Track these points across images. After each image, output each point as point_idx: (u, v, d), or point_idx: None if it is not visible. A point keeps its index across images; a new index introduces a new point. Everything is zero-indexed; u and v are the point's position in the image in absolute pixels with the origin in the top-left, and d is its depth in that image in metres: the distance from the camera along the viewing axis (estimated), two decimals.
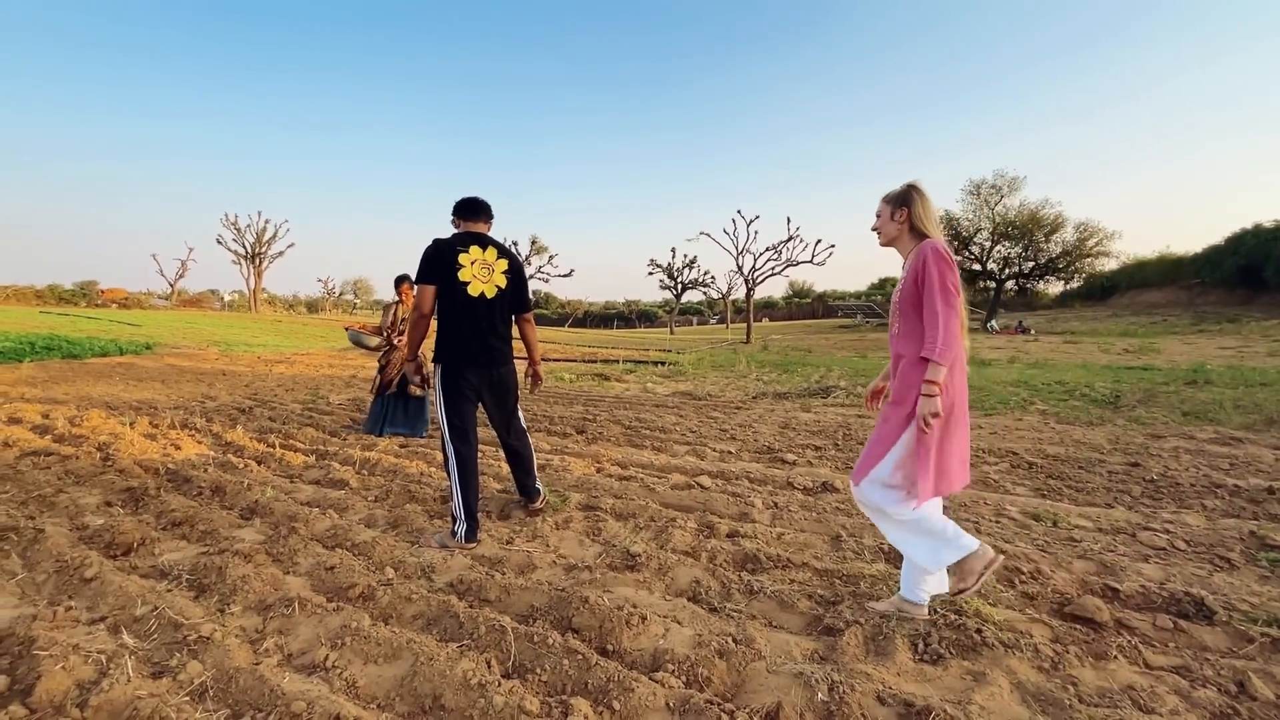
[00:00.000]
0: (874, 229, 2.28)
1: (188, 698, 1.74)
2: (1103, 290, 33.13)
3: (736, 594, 2.45)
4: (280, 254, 42.18)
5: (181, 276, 43.66)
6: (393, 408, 5.35)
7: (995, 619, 2.21)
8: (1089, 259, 29.11)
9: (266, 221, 41.34)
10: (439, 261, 2.90)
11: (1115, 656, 2.00)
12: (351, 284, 69.17)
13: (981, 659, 1.99)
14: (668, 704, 1.73)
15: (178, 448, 4.63)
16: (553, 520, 3.25)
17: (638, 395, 8.19)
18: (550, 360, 13.23)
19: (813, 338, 26.18)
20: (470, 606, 2.26)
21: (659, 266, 41.50)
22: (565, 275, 43.93)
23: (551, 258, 43.44)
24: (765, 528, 3.17)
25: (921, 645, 2.08)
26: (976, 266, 31.46)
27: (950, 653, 2.03)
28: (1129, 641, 2.07)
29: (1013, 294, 33.26)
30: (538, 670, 1.88)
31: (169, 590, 2.40)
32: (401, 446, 4.92)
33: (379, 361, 5.37)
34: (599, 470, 4.27)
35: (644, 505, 3.40)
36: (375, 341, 5.41)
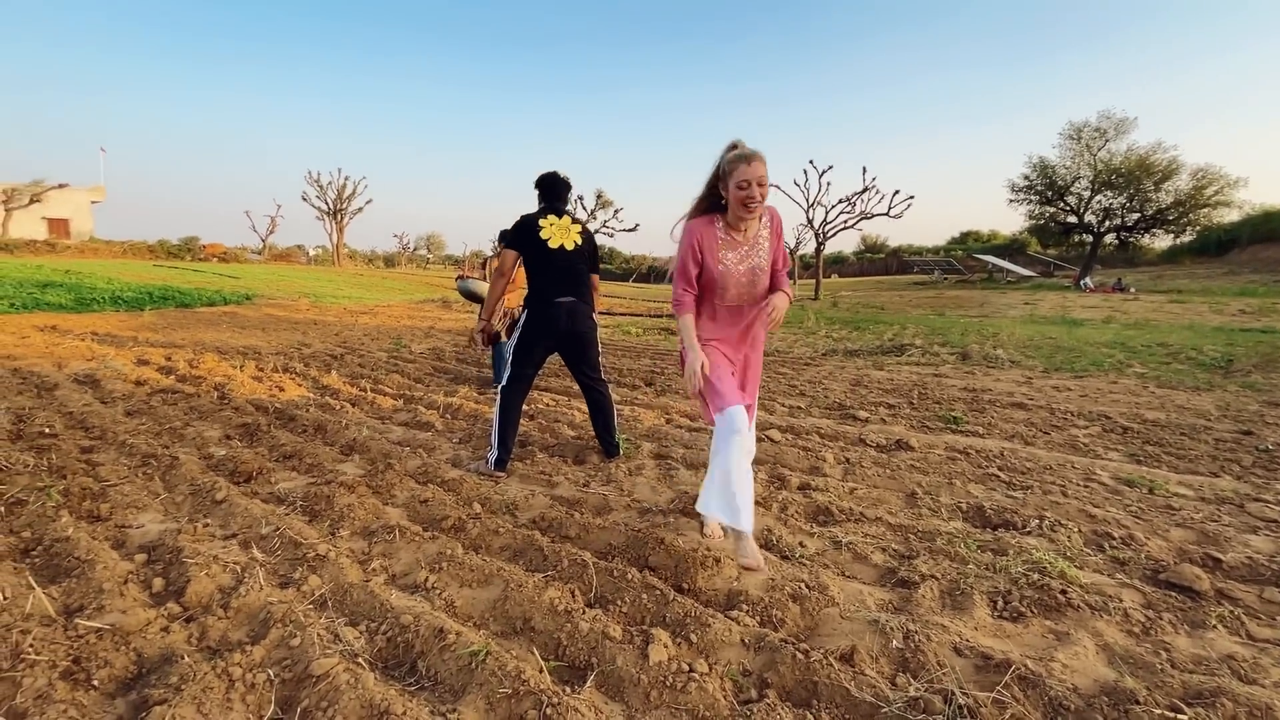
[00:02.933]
0: (761, 190, 2.15)
1: (311, 606, 1.96)
2: (1219, 244, 29.93)
3: (809, 543, 2.48)
4: (359, 210, 43.88)
5: (272, 232, 46.31)
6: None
7: (1081, 581, 2.15)
8: (1205, 209, 26.21)
9: (346, 178, 42.99)
10: (523, 229, 3.27)
11: (1214, 626, 1.92)
12: (425, 239, 71.36)
13: (1065, 619, 1.95)
14: (743, 640, 1.80)
15: (282, 389, 5.03)
16: (626, 466, 3.36)
17: None
18: (616, 314, 13.34)
19: (886, 294, 25.13)
20: (553, 542, 2.40)
21: None
22: (630, 230, 43.69)
23: (616, 212, 43.26)
24: (837, 482, 3.16)
25: (1001, 602, 2.05)
26: (1072, 219, 28.99)
27: (1032, 611, 2.00)
28: (1231, 612, 1.98)
29: (1112, 249, 30.59)
30: (618, 602, 2.00)
31: (286, 514, 2.66)
32: (480, 393, 5.16)
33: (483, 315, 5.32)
34: (668, 421, 4.35)
35: None
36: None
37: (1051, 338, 9.57)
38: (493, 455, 3.21)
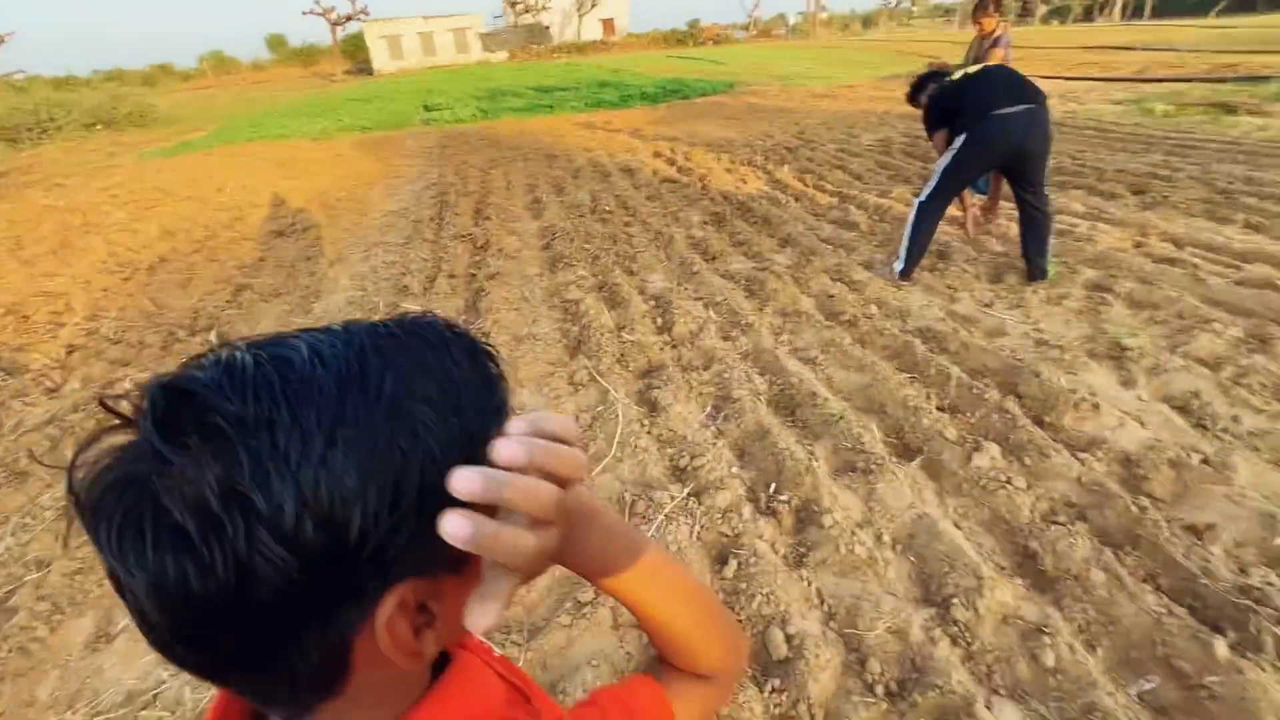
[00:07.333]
0: None
1: (738, 356, 2.87)
2: None
3: (1247, 419, 2.12)
4: None
5: (756, 5, 47.44)
6: None
7: None
8: None
9: None
10: (940, 98, 3.27)
11: None
12: None
13: None
14: (1080, 479, 1.91)
15: (745, 182, 6.05)
16: (1046, 293, 3.16)
17: (1274, 140, 5.65)
18: (1148, 80, 9.81)
19: None
20: (929, 351, 2.70)
21: None
22: None
23: None
24: None
25: None
26: None
27: None
28: None
29: None
30: (966, 414, 2.28)
31: (733, 289, 3.63)
32: (914, 194, 5.11)
33: None
34: (1137, 246, 3.61)
35: (1175, 298, 2.89)
36: None
37: None
38: (898, 265, 3.46)
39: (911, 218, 3.41)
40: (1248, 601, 1.47)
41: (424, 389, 0.32)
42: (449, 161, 8.21)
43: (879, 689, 1.41)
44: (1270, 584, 1.51)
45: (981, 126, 3.05)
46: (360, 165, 8.52)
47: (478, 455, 0.32)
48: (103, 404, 0.29)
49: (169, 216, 6.16)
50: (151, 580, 0.27)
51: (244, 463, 0.27)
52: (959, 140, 3.13)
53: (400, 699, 0.37)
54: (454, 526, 0.30)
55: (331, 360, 0.30)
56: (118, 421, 0.29)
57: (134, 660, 1.66)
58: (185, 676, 1.60)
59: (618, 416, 2.48)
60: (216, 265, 4.86)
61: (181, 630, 0.28)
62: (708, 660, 0.47)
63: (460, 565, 0.34)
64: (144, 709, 1.52)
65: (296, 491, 0.27)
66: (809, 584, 1.69)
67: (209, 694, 1.54)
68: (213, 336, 3.43)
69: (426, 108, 14.32)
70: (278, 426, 0.28)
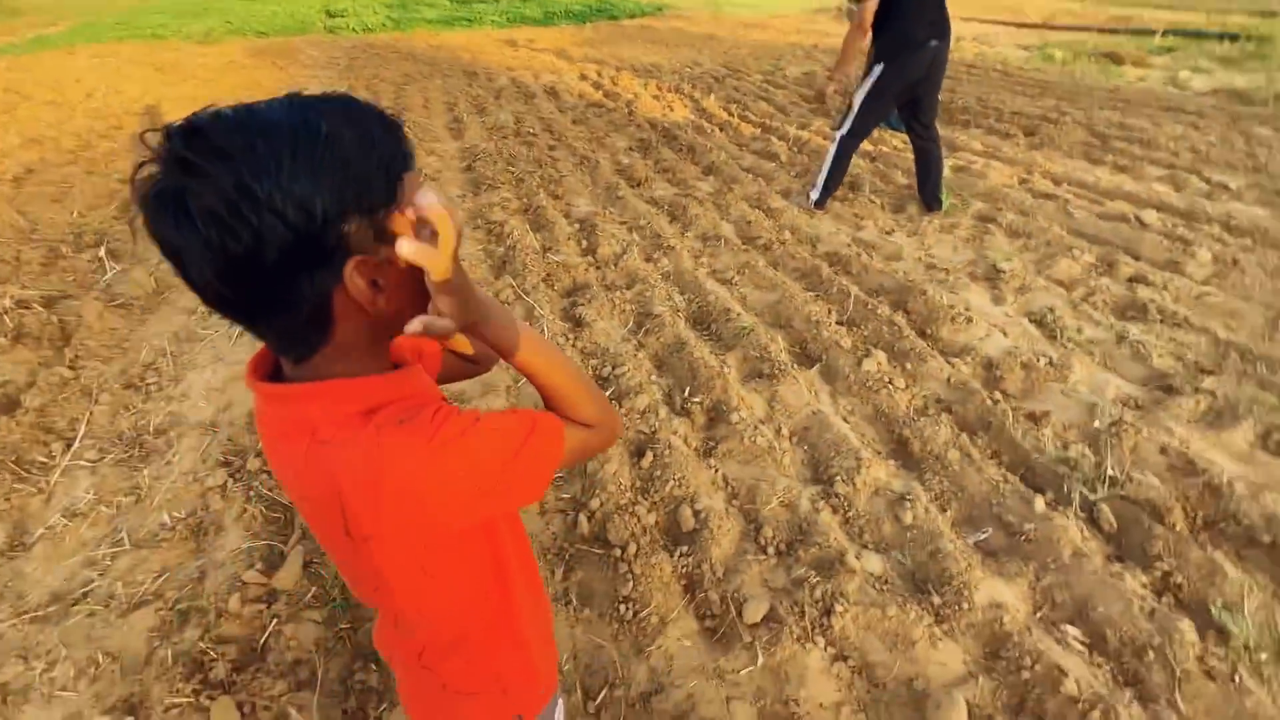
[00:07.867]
0: None
1: (660, 276, 2.99)
2: None
3: (1088, 330, 2.47)
4: None
5: None
6: None
7: None
8: None
9: None
10: None
11: None
12: None
13: None
14: (949, 380, 2.21)
15: (671, 109, 6.01)
16: (940, 223, 3.44)
17: (1149, 90, 6.18)
18: (1049, 28, 10.32)
19: None
20: (834, 273, 2.93)
21: None
22: None
23: None
24: (1188, 283, 2.75)
25: (1277, 436, 1.92)
26: None
27: None
28: None
29: None
30: (860, 326, 2.53)
31: (656, 214, 3.71)
32: (834, 128, 5.29)
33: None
34: (1022, 182, 3.95)
35: (1045, 228, 3.24)
36: None
37: None
38: (815, 194, 3.64)
39: (832, 151, 3.56)
40: (1065, 469, 1.80)
41: (349, 131, 0.46)
42: (359, 75, 7.61)
43: (770, 549, 1.65)
44: (1084, 455, 1.85)
45: (904, 59, 3.17)
46: (257, 74, 7.75)
47: (394, 176, 0.48)
48: (142, 140, 0.44)
49: (30, 123, 5.45)
50: (202, 243, 0.42)
51: (244, 170, 0.41)
52: (879, 69, 3.24)
53: (371, 358, 0.55)
54: (407, 245, 0.47)
55: (282, 112, 0.45)
56: (150, 155, 0.43)
57: (56, 563, 1.67)
58: (115, 574, 1.63)
59: (543, 332, 2.57)
60: (97, 178, 4.40)
61: (227, 278, 0.44)
62: (586, 411, 0.64)
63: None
64: (74, 604, 1.55)
65: (279, 187, 0.42)
66: (716, 470, 1.90)
67: (142, 589, 1.59)
68: (102, 253, 3.18)
69: (329, 13, 13.03)
70: (257, 150, 0.42)
